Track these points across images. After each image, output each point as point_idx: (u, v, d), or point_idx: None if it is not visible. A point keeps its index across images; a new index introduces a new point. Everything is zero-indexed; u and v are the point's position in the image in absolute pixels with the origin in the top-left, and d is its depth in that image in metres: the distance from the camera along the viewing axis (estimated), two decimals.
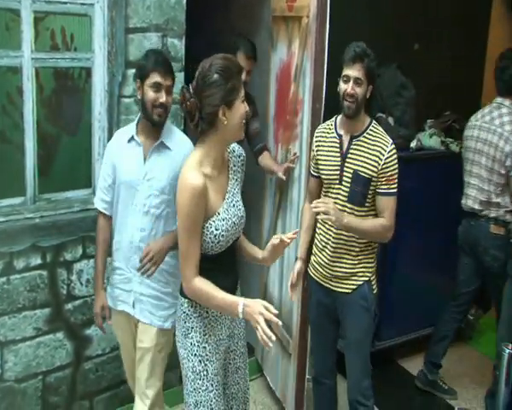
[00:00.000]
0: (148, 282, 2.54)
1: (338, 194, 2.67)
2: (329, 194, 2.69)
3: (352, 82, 2.55)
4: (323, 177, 2.72)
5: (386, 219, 2.62)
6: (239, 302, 2.00)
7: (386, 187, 2.60)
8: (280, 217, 3.40)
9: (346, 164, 2.64)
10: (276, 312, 1.95)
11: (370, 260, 2.74)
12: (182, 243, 2.08)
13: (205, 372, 2.19)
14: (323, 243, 2.75)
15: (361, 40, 2.61)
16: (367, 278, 2.71)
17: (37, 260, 2.87)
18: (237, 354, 2.34)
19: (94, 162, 3.02)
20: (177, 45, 3.10)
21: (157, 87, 2.43)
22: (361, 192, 2.61)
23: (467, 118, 4.23)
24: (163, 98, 2.44)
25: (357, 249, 2.69)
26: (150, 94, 2.43)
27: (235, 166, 2.22)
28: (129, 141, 2.54)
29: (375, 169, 2.58)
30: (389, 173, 2.58)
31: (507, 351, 2.56)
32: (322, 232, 2.77)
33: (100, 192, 2.64)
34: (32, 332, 2.93)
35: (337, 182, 2.66)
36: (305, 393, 3.21)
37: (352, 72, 2.54)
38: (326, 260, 2.74)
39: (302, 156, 3.07)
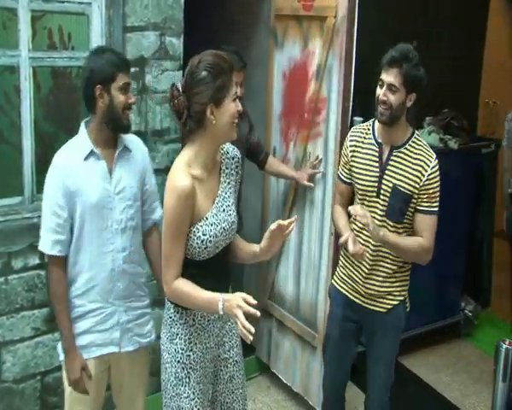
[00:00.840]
0: (134, 304, 2.38)
1: (375, 207, 2.49)
2: (364, 207, 2.48)
3: (385, 88, 2.37)
4: (358, 186, 2.53)
5: (426, 239, 2.43)
6: (218, 299, 1.94)
7: (427, 205, 2.41)
8: (293, 217, 3.38)
9: (386, 176, 2.45)
10: (254, 302, 1.88)
11: (407, 278, 2.60)
12: (165, 245, 2.00)
13: (187, 380, 2.13)
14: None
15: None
16: (402, 298, 2.58)
17: (35, 260, 2.85)
18: (230, 362, 2.25)
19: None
20: (176, 44, 3.09)
21: (126, 88, 2.22)
22: (399, 208, 2.44)
23: (465, 115, 4.25)
24: (132, 99, 2.26)
25: (395, 267, 2.53)
26: (120, 97, 2.20)
27: (227, 168, 2.11)
28: (86, 158, 2.21)
29: (416, 185, 2.40)
30: (431, 191, 2.40)
31: (504, 347, 2.57)
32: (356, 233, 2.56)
33: (50, 234, 2.21)
34: (31, 332, 2.91)
35: (374, 195, 2.48)
36: None
37: (387, 77, 2.36)
38: (360, 276, 2.56)
39: (328, 154, 3.10)
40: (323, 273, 3.20)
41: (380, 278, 2.53)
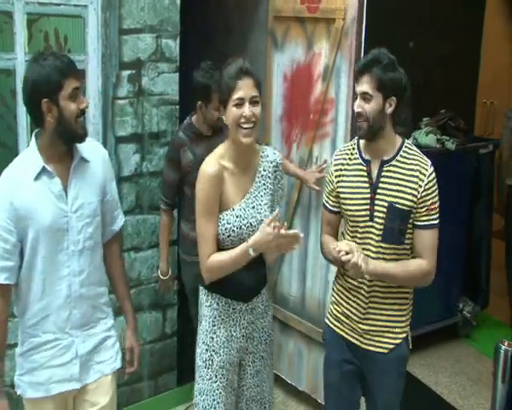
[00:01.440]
0: (93, 331, 2.15)
1: (369, 233, 2.22)
2: (357, 234, 2.25)
3: (359, 99, 2.15)
4: (348, 214, 2.27)
5: (426, 260, 2.19)
6: (247, 249, 2.10)
7: (426, 218, 2.16)
8: (297, 220, 3.42)
9: (378, 196, 2.19)
10: (278, 215, 2.07)
11: (409, 310, 2.32)
12: (199, 227, 2.18)
13: (210, 362, 2.26)
14: (353, 292, 2.29)
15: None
16: (405, 334, 2.31)
17: None
18: (257, 356, 2.35)
19: None
20: (172, 46, 3.10)
21: (76, 94, 1.95)
22: (398, 228, 2.18)
23: (462, 116, 4.25)
24: (84, 103, 1.99)
25: (395, 297, 2.26)
26: (71, 106, 1.93)
27: (265, 170, 2.23)
28: (37, 177, 1.96)
29: (414, 199, 2.15)
30: (430, 202, 2.16)
31: (503, 348, 2.57)
32: (349, 279, 2.29)
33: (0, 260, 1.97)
34: None
35: (367, 219, 2.22)
36: None
37: (359, 86, 2.15)
38: (356, 312, 2.29)
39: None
40: (332, 272, 3.20)
41: (378, 312, 2.26)
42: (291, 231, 2.09)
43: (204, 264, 2.18)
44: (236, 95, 2.08)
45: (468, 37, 4.60)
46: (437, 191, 2.19)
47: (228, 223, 2.15)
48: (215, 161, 2.16)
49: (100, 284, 2.18)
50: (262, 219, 2.17)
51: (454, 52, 4.43)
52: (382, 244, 2.20)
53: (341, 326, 2.36)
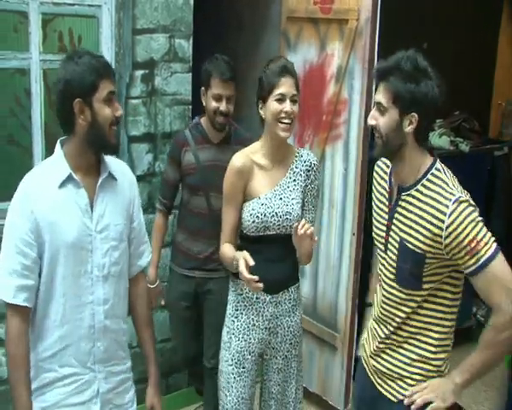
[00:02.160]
0: (116, 369, 1.94)
1: (384, 266, 1.92)
2: (378, 263, 1.98)
3: (374, 109, 1.83)
4: (373, 234, 2.00)
5: (499, 311, 1.69)
6: (232, 261, 2.19)
7: (473, 262, 1.69)
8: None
9: (393, 227, 1.86)
10: (251, 263, 2.05)
11: (437, 362, 1.87)
12: (222, 213, 2.33)
13: (228, 344, 2.33)
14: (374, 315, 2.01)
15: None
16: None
17: None
18: (279, 354, 2.36)
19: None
20: (185, 46, 3.12)
21: (111, 99, 1.80)
22: (410, 272, 1.81)
23: (476, 117, 4.22)
24: (119, 110, 1.83)
25: (427, 346, 1.86)
26: (106, 111, 1.78)
27: (297, 168, 2.30)
28: (62, 185, 1.78)
29: (431, 243, 1.75)
30: (466, 242, 1.69)
31: None
32: (375, 300, 2.01)
33: (14, 277, 1.74)
34: None
35: (383, 249, 1.92)
36: (351, 382, 3.28)
37: (376, 95, 1.82)
38: (372, 342, 1.99)
39: (349, 156, 3.14)
40: (344, 274, 3.23)
41: (393, 355, 1.92)
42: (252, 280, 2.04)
43: (219, 248, 2.33)
44: (278, 90, 2.17)
45: (484, 37, 4.57)
46: (474, 223, 1.70)
47: (253, 209, 2.23)
48: (244, 156, 2.27)
49: (124, 319, 1.97)
50: (288, 211, 2.25)
51: (469, 53, 4.40)
52: (396, 285, 1.86)
53: (364, 354, 2.08)
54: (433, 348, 1.85)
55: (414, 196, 1.81)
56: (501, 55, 4.67)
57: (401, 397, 1.88)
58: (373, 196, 2.02)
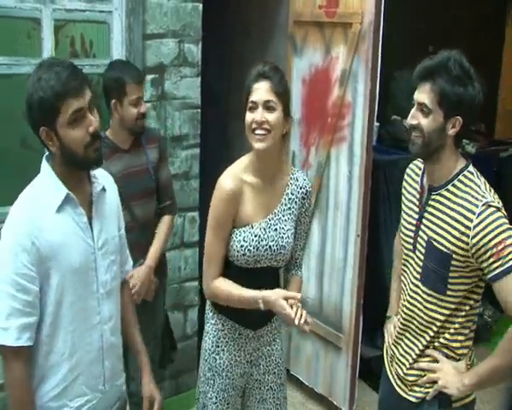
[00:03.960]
0: (119, 382, 1.89)
1: (411, 267, 1.94)
2: (406, 264, 1.99)
3: (415, 108, 1.82)
4: (401, 234, 2.02)
5: None
6: (258, 299, 1.95)
7: (498, 264, 1.68)
8: (315, 223, 3.45)
9: (422, 226, 1.89)
10: (298, 296, 1.90)
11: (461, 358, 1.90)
12: (207, 243, 2.05)
13: (212, 382, 2.17)
14: (400, 308, 2.03)
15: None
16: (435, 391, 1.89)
17: None
18: (263, 385, 2.22)
19: None
20: (194, 51, 3.16)
21: (79, 117, 1.61)
22: (435, 272, 1.82)
23: (482, 120, 4.26)
24: (92, 125, 1.64)
25: (435, 332, 1.88)
26: (72, 134, 1.60)
27: (293, 194, 2.09)
28: (60, 208, 1.64)
29: (458, 243, 1.76)
30: (493, 244, 1.69)
31: None
32: (402, 290, 2.02)
33: (15, 317, 1.59)
34: None
35: (411, 248, 1.94)
36: (356, 383, 3.32)
37: (418, 94, 1.80)
38: (391, 347, 2.05)
39: (354, 158, 3.17)
40: (349, 276, 3.27)
41: (408, 359, 1.95)
42: (302, 319, 1.86)
43: (208, 285, 2.06)
44: (250, 98, 1.98)
45: (490, 40, 4.61)
46: (502, 228, 1.71)
47: (244, 241, 2.00)
48: (234, 176, 2.02)
49: (121, 331, 1.90)
50: (283, 245, 2.05)
51: (475, 56, 4.42)
52: (421, 285, 1.88)
53: (385, 359, 2.13)
54: (454, 355, 1.89)
55: (444, 196, 1.82)
56: (507, 57, 4.71)
57: (420, 398, 1.91)
58: (403, 197, 2.02)
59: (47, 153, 1.72)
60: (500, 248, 1.68)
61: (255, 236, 2.02)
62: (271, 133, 1.95)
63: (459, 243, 1.75)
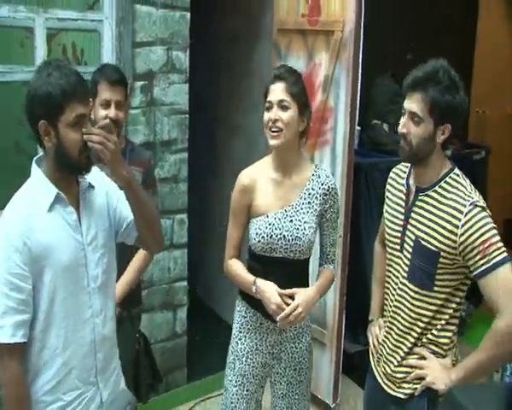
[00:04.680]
0: (111, 367, 1.87)
1: (399, 266, 1.96)
2: (392, 264, 2.01)
3: (406, 117, 1.84)
4: (386, 236, 2.05)
5: (502, 314, 1.70)
6: (252, 285, 2.10)
7: (484, 261, 1.72)
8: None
9: (409, 226, 1.92)
10: (289, 301, 2.04)
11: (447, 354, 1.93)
12: (228, 227, 2.23)
13: (232, 365, 2.26)
14: (386, 308, 2.07)
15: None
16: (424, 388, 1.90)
17: None
18: (284, 380, 2.26)
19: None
20: (182, 58, 3.20)
21: (81, 122, 1.63)
22: (422, 269, 1.86)
23: None
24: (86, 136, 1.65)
25: (420, 330, 1.92)
26: (72, 136, 1.62)
27: (313, 189, 2.13)
28: (50, 207, 1.66)
29: (446, 241, 1.79)
30: (479, 242, 1.73)
31: None
32: (387, 291, 2.07)
33: (9, 315, 1.61)
34: None
35: (398, 248, 1.96)
36: (340, 377, 3.36)
37: (408, 104, 1.82)
38: (382, 346, 2.06)
39: (336, 161, 3.21)
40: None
41: (396, 357, 1.98)
42: (287, 313, 2.03)
43: (225, 263, 2.24)
44: (268, 98, 2.09)
45: (463, 50, 4.72)
46: (488, 227, 1.75)
47: (259, 228, 2.11)
48: (250, 173, 2.18)
49: (113, 318, 1.89)
50: (298, 236, 2.10)
51: (449, 63, 4.54)
52: (408, 284, 1.91)
53: (373, 351, 2.16)
54: (442, 351, 1.92)
55: (432, 197, 1.85)
56: (478, 67, 4.84)
57: (408, 392, 1.93)
58: (386, 200, 2.06)
59: (37, 156, 1.74)
60: (486, 246, 1.72)
61: (269, 224, 2.11)
62: (284, 131, 2.05)
63: (447, 242, 1.79)
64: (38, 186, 1.68)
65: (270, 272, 2.11)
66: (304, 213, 2.12)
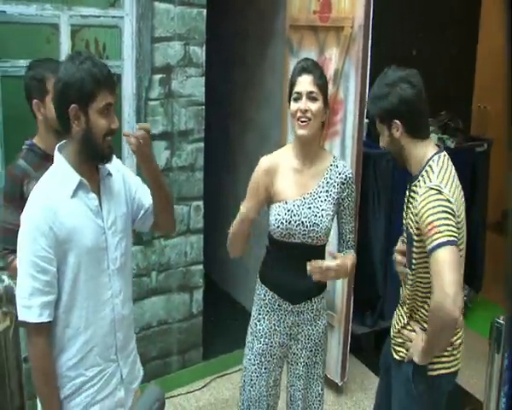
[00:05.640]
0: (130, 347, 1.92)
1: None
2: None
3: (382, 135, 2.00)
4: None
5: (434, 292, 1.74)
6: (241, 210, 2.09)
7: (428, 242, 1.77)
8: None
9: (404, 215, 2.03)
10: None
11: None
12: (241, 205, 2.15)
13: (251, 345, 2.28)
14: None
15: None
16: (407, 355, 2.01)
17: None
18: (300, 361, 2.27)
19: (124, 160, 3.11)
20: (198, 52, 3.23)
21: (108, 110, 1.69)
22: (408, 251, 1.96)
23: (460, 117, 4.38)
24: (116, 123, 1.72)
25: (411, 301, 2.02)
26: (101, 122, 1.67)
27: (331, 179, 2.15)
28: (74, 193, 1.70)
29: (414, 223, 1.88)
30: (426, 222, 1.78)
31: (498, 321, 2.64)
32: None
33: (37, 296, 1.66)
34: None
35: (404, 235, 2.06)
36: (348, 358, 3.40)
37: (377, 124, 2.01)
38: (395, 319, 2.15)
39: (345, 151, 3.26)
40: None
41: (397, 326, 2.09)
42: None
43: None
44: (295, 89, 2.09)
45: (466, 46, 4.73)
46: (435, 210, 1.78)
47: (278, 214, 2.11)
48: (271, 158, 2.18)
49: (131, 299, 1.95)
50: (316, 223, 2.11)
51: (453, 59, 4.55)
52: (407, 266, 2.00)
53: None
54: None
55: (416, 185, 1.91)
56: (480, 64, 4.84)
57: (403, 356, 2.01)
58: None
59: (59, 143, 1.77)
60: (430, 228, 1.76)
61: (288, 210, 2.11)
62: (312, 121, 2.06)
63: (415, 224, 1.86)
64: (62, 173, 1.72)
65: (288, 256, 2.15)
66: (322, 200, 2.13)
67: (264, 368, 2.26)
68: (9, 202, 2.11)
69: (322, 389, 2.34)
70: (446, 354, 2.00)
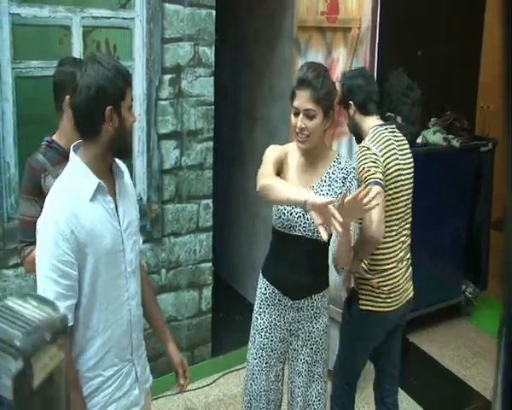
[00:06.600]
0: (142, 349, 1.91)
1: None
2: None
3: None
4: None
5: (364, 221, 2.27)
6: (304, 201, 1.81)
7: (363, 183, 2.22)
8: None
9: None
10: (340, 220, 1.74)
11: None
12: (261, 168, 2.06)
13: (253, 339, 2.27)
14: None
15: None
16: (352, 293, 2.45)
17: None
18: (300, 358, 2.23)
19: (134, 159, 3.10)
20: (208, 53, 3.20)
21: (131, 106, 1.69)
22: None
23: (465, 116, 4.32)
24: (135, 117, 1.72)
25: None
26: (130, 118, 1.67)
27: (334, 174, 2.12)
28: (93, 197, 1.64)
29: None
30: (359, 170, 2.28)
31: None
32: None
33: (60, 301, 1.58)
34: None
35: None
36: None
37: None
38: None
39: (353, 148, 3.17)
40: None
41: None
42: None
43: (260, 182, 1.99)
44: (294, 102, 2.02)
45: (470, 46, 4.67)
46: (363, 158, 2.27)
47: (281, 205, 2.07)
48: (282, 146, 2.17)
49: (142, 302, 1.93)
50: None
51: (457, 59, 4.50)
52: None
53: None
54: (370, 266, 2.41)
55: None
56: (484, 64, 4.78)
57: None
58: None
59: (74, 143, 1.70)
60: (362, 173, 2.19)
61: None
62: (311, 137, 2.02)
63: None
64: (80, 175, 1.65)
65: (289, 250, 2.12)
66: (324, 194, 2.09)
67: (265, 362, 2.23)
68: (28, 194, 2.08)
69: (322, 389, 2.27)
70: (374, 294, 2.35)
